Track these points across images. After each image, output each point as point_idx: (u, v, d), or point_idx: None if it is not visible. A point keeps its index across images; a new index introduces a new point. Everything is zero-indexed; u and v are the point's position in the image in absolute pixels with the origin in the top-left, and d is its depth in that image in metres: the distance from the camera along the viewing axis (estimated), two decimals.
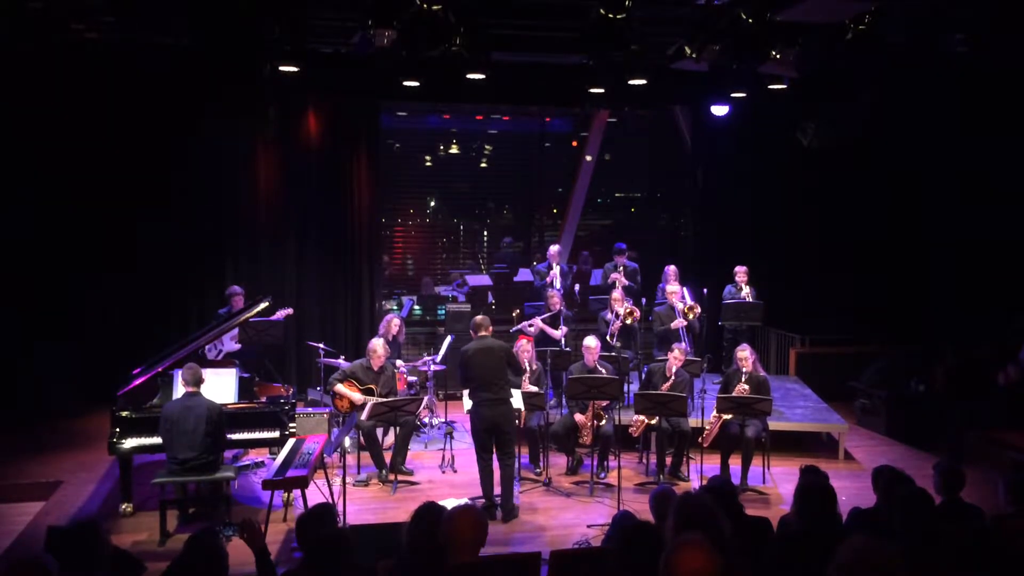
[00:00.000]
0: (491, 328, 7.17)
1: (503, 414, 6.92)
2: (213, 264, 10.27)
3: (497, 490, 6.96)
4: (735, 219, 11.50)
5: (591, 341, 7.98)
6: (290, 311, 9.17)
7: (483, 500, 6.91)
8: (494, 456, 6.99)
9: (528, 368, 7.93)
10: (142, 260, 9.91)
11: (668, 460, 7.86)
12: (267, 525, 6.26)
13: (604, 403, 7.68)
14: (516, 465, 7.29)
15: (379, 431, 7.77)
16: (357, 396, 7.73)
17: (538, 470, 7.96)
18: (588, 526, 6.72)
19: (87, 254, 9.75)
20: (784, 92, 9.30)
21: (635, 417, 7.64)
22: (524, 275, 11.72)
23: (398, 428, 7.76)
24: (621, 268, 10.25)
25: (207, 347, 8.15)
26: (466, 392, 7.16)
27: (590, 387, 7.41)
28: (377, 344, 7.91)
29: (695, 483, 7.56)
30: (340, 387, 7.81)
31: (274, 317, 8.93)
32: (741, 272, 10.02)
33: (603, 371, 7.81)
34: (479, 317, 7.22)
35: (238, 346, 8.78)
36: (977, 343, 9.78)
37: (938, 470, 4.80)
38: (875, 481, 4.77)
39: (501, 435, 6.92)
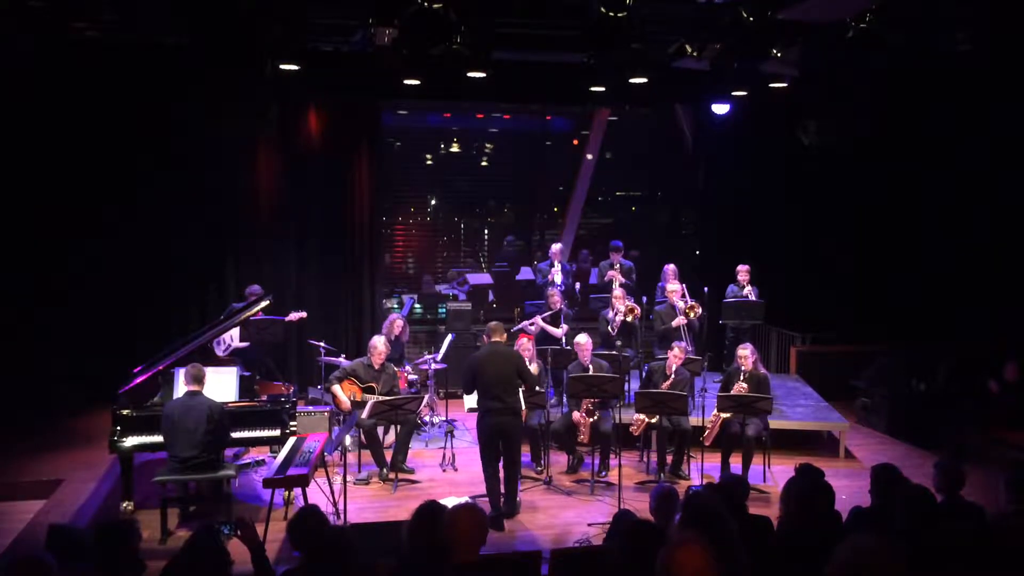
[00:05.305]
0: (504, 335, 7.08)
1: (511, 423, 6.81)
2: (214, 263, 10.28)
3: (501, 488, 6.94)
4: (736, 217, 11.50)
5: (582, 338, 7.98)
6: (303, 315, 9.16)
7: (486, 500, 6.87)
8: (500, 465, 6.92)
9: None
10: (143, 258, 9.91)
11: (669, 459, 7.86)
12: (268, 524, 6.26)
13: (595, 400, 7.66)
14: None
15: (380, 429, 7.77)
16: (345, 400, 7.73)
17: (539, 468, 7.96)
18: (589, 524, 6.73)
19: (87, 252, 9.74)
20: (785, 91, 9.29)
21: (636, 416, 7.64)
22: (525, 273, 11.72)
23: (399, 426, 7.76)
24: (617, 266, 10.25)
25: (215, 342, 8.17)
26: (467, 396, 7.12)
27: (590, 386, 7.41)
28: (378, 342, 7.91)
29: (696, 481, 7.56)
30: (336, 388, 7.81)
31: (286, 318, 8.96)
32: (743, 271, 10.01)
33: (593, 367, 7.81)
34: (493, 323, 7.12)
35: (246, 344, 8.81)
36: (978, 342, 9.80)
37: (939, 468, 4.80)
38: (872, 480, 4.78)
39: (508, 442, 6.85)
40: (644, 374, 8.41)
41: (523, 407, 7.11)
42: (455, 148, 13.18)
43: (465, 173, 13.32)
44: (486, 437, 6.81)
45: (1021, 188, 10.18)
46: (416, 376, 9.06)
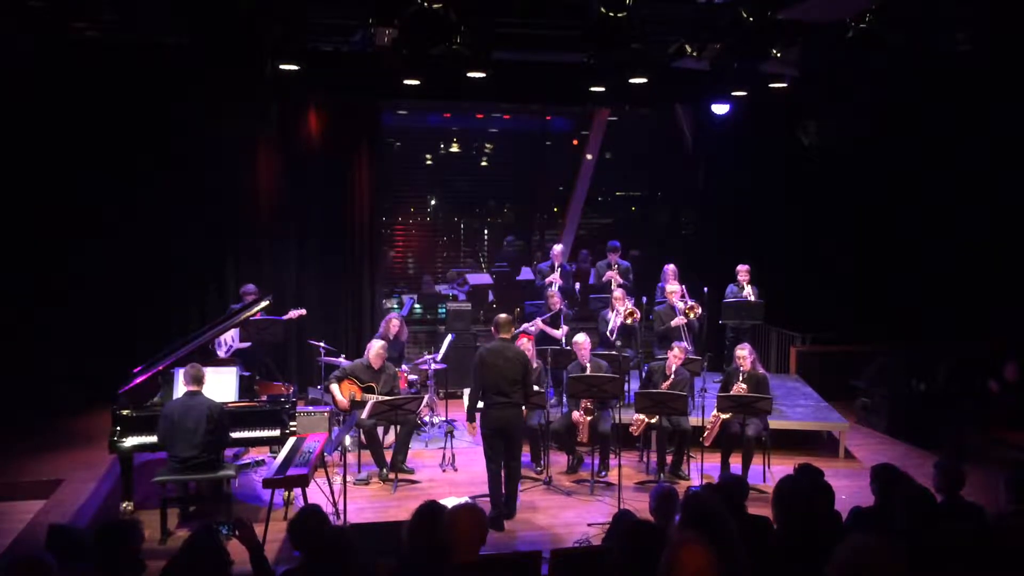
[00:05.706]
0: (512, 330, 7.01)
1: (514, 417, 6.80)
2: (214, 263, 10.28)
3: (503, 488, 6.93)
4: (736, 217, 11.50)
5: (580, 338, 7.99)
6: (303, 312, 9.21)
7: (486, 499, 6.86)
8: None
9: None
10: (143, 258, 9.90)
11: (669, 459, 7.86)
12: (268, 523, 6.26)
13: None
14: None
15: (380, 429, 7.77)
16: (342, 399, 7.75)
17: (539, 469, 7.96)
18: (588, 524, 6.73)
19: (87, 252, 9.74)
20: (785, 91, 9.30)
21: (635, 416, 7.64)
22: (526, 274, 11.72)
23: (399, 427, 7.76)
24: (615, 266, 10.25)
25: (216, 343, 8.17)
26: (468, 391, 7.11)
27: (590, 386, 7.41)
28: (376, 344, 7.93)
29: (696, 481, 7.56)
30: (333, 387, 7.82)
31: (285, 316, 9.00)
32: (743, 271, 10.00)
33: (592, 367, 7.81)
34: (502, 316, 7.00)
35: (247, 344, 8.81)
36: (978, 342, 9.80)
37: (939, 468, 4.80)
38: (873, 480, 4.77)
39: (510, 439, 6.83)
40: (644, 374, 8.41)
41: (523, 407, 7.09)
42: (455, 148, 13.18)
43: (465, 173, 13.33)
44: (489, 431, 6.79)
45: (1021, 188, 10.18)
46: (416, 376, 9.07)
